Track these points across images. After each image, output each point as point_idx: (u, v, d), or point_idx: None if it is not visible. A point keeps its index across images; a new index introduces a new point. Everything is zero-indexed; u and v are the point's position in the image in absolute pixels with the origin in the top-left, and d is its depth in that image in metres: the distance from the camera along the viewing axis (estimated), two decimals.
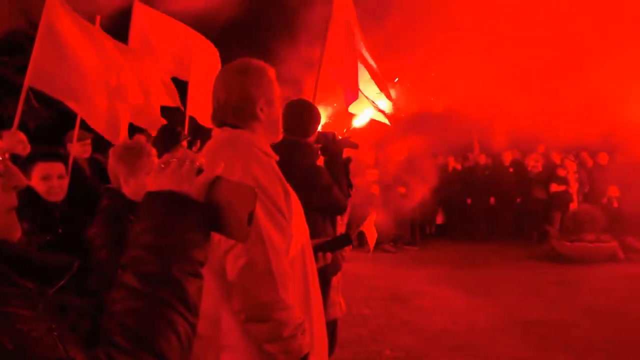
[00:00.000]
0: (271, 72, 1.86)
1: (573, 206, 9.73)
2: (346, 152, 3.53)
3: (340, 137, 3.48)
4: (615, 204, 9.66)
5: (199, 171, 1.06)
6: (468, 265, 8.56)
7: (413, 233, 10.50)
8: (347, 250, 2.25)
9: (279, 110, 1.86)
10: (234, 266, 1.59)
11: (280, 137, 1.93)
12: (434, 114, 10.67)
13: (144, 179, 2.44)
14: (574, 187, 9.95)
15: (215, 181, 1.06)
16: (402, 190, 10.26)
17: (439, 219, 11.29)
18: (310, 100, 4.18)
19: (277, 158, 1.86)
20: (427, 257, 9.41)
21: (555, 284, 7.20)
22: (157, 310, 0.91)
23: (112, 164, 2.52)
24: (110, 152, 2.60)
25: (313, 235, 2.14)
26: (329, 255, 2.09)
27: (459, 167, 11.44)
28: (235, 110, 1.79)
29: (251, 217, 1.04)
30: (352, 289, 6.18)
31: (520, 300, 6.36)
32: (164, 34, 6.21)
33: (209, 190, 1.05)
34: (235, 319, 1.62)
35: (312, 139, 3.24)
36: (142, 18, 5.96)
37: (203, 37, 6.56)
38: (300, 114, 3.16)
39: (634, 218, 9.24)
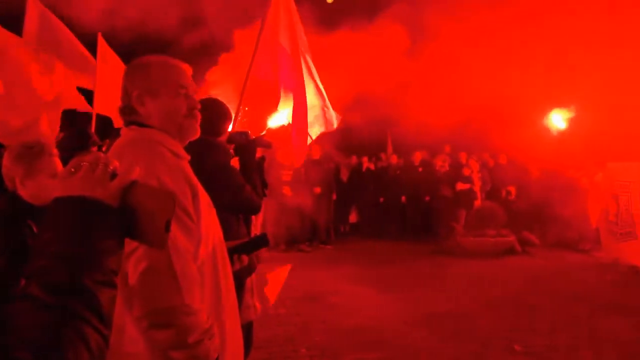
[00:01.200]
0: (160, 64, 1.77)
1: (477, 203, 10.35)
2: (261, 152, 3.51)
3: (254, 137, 3.44)
4: (513, 201, 10.40)
5: (113, 175, 1.00)
6: (381, 262, 8.83)
7: (328, 232, 10.66)
8: (263, 252, 2.22)
9: (169, 104, 1.74)
10: (135, 270, 1.51)
11: (193, 134, 1.84)
12: (350, 115, 10.88)
13: (44, 180, 2.28)
14: (477, 186, 10.58)
15: (131, 186, 1.01)
16: (317, 190, 10.37)
17: (353, 218, 11.55)
18: (238, 99, 4.12)
19: (189, 157, 1.81)
20: (341, 255, 9.60)
21: (461, 277, 7.61)
22: (66, 323, 0.84)
23: (8, 164, 2.32)
24: (6, 151, 2.40)
25: (227, 236, 2.10)
26: (244, 258, 2.06)
27: (372, 167, 11.75)
28: (122, 108, 1.75)
29: (169, 224, 1.00)
30: (284, 289, 6.19)
31: (428, 294, 6.66)
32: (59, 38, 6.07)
33: (124, 195, 0.99)
34: (138, 326, 1.55)
35: (223, 138, 3.19)
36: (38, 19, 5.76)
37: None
38: (210, 113, 3.08)
39: (529, 214, 10.03)
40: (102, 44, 6.87)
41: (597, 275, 7.49)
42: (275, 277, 3.88)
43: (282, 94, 4.68)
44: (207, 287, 1.69)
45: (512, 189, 10.53)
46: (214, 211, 1.82)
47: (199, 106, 1.82)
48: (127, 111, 1.75)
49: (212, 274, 1.73)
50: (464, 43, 8.87)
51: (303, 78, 4.73)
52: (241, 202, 3.03)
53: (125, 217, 0.99)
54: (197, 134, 1.84)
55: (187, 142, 1.83)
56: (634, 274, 7.36)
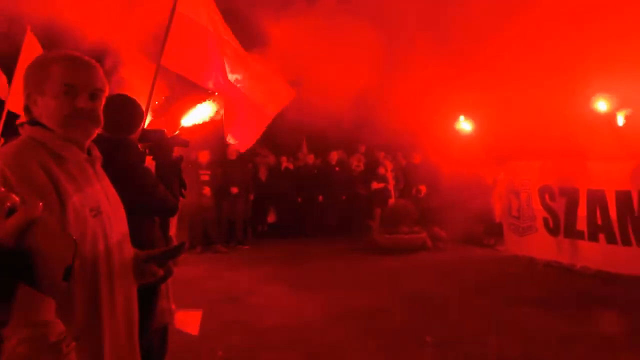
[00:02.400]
0: (48, 62, 1.68)
1: (391, 202, 10.68)
2: (178, 151, 3.38)
3: (170, 135, 3.30)
4: (424, 199, 10.84)
5: (11, 211, 0.89)
6: (298, 261, 8.87)
7: (245, 232, 10.54)
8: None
9: (51, 103, 1.65)
10: None
11: (83, 134, 1.73)
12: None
13: None
14: (391, 185, 10.92)
15: (30, 225, 0.90)
16: (235, 190, 10.22)
17: (271, 218, 11.50)
18: (148, 95, 3.91)
19: (91, 157, 1.74)
20: (259, 255, 9.53)
21: (376, 274, 7.82)
22: None
23: None
24: None
25: (140, 240, 1.99)
26: (157, 269, 1.95)
27: (291, 166, 11.77)
28: (23, 108, 1.70)
29: (68, 272, 0.90)
30: (184, 292, 5.95)
31: (345, 291, 6.76)
32: None
33: (20, 235, 0.89)
34: None
35: (134, 136, 3.03)
36: None
37: None
38: (119, 111, 2.92)
39: (439, 211, 10.51)
40: (30, 38, 6.22)
41: (501, 268, 7.98)
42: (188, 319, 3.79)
43: (209, 87, 4.53)
44: (80, 294, 1.57)
45: (423, 188, 10.96)
46: (104, 216, 1.71)
47: (92, 105, 1.70)
48: (26, 111, 1.70)
49: (88, 285, 1.61)
50: (380, 44, 9.11)
51: (229, 65, 4.61)
52: (154, 204, 2.89)
53: (18, 260, 0.88)
54: (89, 134, 1.74)
55: (85, 142, 1.73)
56: (534, 266, 7.92)
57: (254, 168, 11.31)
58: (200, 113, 4.67)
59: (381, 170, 10.90)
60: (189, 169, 9.69)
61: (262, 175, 11.44)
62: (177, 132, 3.70)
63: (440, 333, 5.09)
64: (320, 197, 11.29)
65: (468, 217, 10.17)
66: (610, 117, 8.64)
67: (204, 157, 9.97)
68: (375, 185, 10.81)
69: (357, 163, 11.49)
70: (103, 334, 1.64)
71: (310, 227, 11.27)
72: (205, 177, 10.00)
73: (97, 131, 1.76)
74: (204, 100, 4.43)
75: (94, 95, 1.71)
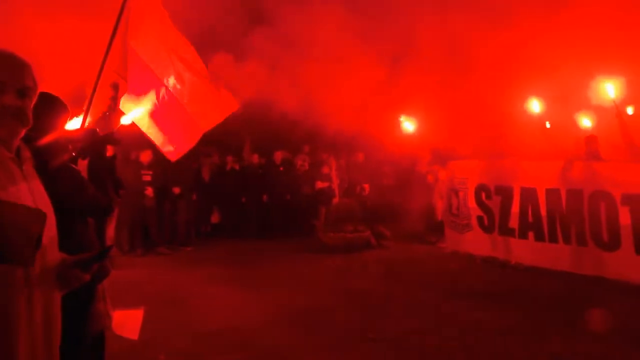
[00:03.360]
0: None
1: (335, 201, 10.78)
2: (112, 150, 3.27)
3: (102, 134, 3.19)
4: (368, 198, 11.02)
5: None
6: (243, 262, 8.79)
7: (188, 233, 10.34)
8: (119, 257, 2.07)
9: None
10: None
11: (8, 134, 1.66)
12: None
13: None
14: (336, 184, 11.03)
15: None
16: (177, 190, 10.01)
17: (215, 218, 11.34)
18: (89, 95, 3.78)
19: (9, 155, 1.67)
20: (203, 256, 9.38)
21: (321, 273, 7.88)
22: None
23: None
24: None
25: (70, 242, 1.93)
26: (86, 276, 1.88)
27: (236, 166, 11.65)
28: None
29: (39, 240, 0.91)
30: (123, 296, 5.78)
31: (290, 291, 6.78)
32: None
33: None
34: None
35: (58, 134, 2.92)
36: None
37: None
38: (42, 109, 2.80)
39: (383, 209, 10.73)
40: None
41: (442, 264, 8.23)
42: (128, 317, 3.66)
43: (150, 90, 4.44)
44: None
45: (366, 186, 11.14)
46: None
47: (20, 103, 1.64)
48: None
49: (2, 291, 1.54)
50: (323, 47, 9.19)
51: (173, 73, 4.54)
52: (83, 204, 2.80)
53: None
54: (16, 132, 1.68)
55: (11, 140, 1.68)
56: (472, 262, 8.21)
57: (197, 168, 11.12)
58: (141, 112, 4.56)
59: (325, 170, 10.99)
60: (131, 169, 9.44)
61: (206, 175, 11.27)
62: (111, 131, 3.58)
63: (383, 329, 5.21)
64: (265, 197, 11.24)
65: (411, 215, 10.45)
66: (541, 119, 9.10)
67: (146, 156, 9.69)
68: (319, 184, 10.89)
69: (302, 163, 11.52)
70: (17, 344, 1.58)
71: (255, 227, 11.20)
72: (147, 178, 9.73)
73: (24, 130, 1.70)
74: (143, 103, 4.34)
75: (22, 93, 1.65)
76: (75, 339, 1.82)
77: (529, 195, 7.63)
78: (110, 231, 9.16)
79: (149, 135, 4.56)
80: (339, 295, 6.56)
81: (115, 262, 7.44)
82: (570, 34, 8.26)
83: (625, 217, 6.48)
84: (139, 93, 4.43)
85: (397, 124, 10.64)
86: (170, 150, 4.81)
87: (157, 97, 4.56)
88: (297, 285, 7.17)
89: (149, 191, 9.64)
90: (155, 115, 4.57)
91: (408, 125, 10.57)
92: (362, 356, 4.65)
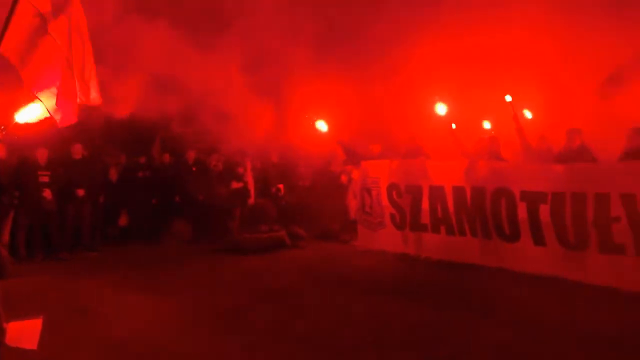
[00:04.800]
0: None
1: (250, 201, 10.66)
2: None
3: None
4: (283, 198, 11.01)
5: None
6: (154, 266, 8.42)
7: (93, 237, 9.74)
8: (12, 264, 1.87)
9: None
10: None
11: None
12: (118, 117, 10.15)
13: None
14: (251, 184, 10.90)
15: None
16: (81, 192, 9.40)
17: (123, 221, 10.78)
18: None
19: None
20: (110, 262, 8.87)
21: (238, 274, 7.74)
22: None
23: None
24: None
25: None
26: None
27: (147, 168, 11.13)
28: None
29: None
30: (21, 306, 5.32)
31: (205, 294, 6.59)
32: None
33: None
34: None
35: None
36: None
37: None
38: None
39: (298, 209, 10.77)
40: None
41: (356, 262, 8.39)
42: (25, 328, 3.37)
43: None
44: None
45: (281, 186, 11.12)
46: None
47: None
48: None
49: None
50: (233, 44, 9.09)
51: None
52: None
53: None
54: None
55: None
56: (385, 259, 8.45)
57: (103, 169, 10.52)
58: (35, 110, 4.22)
59: (240, 170, 10.82)
60: (27, 170, 8.74)
61: (113, 176, 10.69)
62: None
63: (298, 327, 5.21)
64: (177, 198, 10.86)
65: (325, 214, 10.58)
66: (447, 121, 9.58)
67: (42, 156, 9.01)
68: (234, 184, 10.70)
69: (216, 163, 11.26)
70: None
71: (167, 229, 10.79)
72: (45, 179, 9.03)
73: None
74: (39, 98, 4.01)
75: None
76: None
77: (437, 193, 8.00)
78: (6, 237, 8.44)
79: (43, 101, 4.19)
80: (255, 296, 6.48)
81: (7, 270, 6.84)
82: (475, 43, 8.81)
83: (523, 212, 6.99)
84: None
85: (311, 124, 10.72)
86: (59, 117, 4.45)
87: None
88: (212, 287, 6.99)
89: (47, 193, 8.95)
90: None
91: (321, 125, 10.68)
92: (279, 356, 4.61)
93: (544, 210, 6.77)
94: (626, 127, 7.04)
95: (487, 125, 10.71)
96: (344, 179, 10.45)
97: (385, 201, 8.81)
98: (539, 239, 6.86)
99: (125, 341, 4.91)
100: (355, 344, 4.79)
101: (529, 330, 4.97)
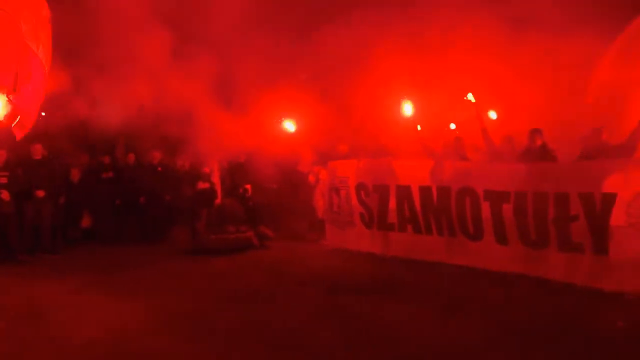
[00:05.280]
0: None
1: (217, 202, 10.53)
2: None
3: None
4: (250, 198, 10.92)
5: None
6: (117, 268, 8.21)
7: (54, 239, 9.46)
8: None
9: None
10: None
11: None
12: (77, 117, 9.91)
13: None
14: (217, 184, 10.78)
15: None
16: (40, 194, 9.12)
17: (85, 222, 10.51)
18: None
19: None
20: (71, 264, 8.62)
21: (204, 276, 7.64)
22: None
23: None
24: None
25: None
26: None
27: (110, 168, 10.90)
28: None
29: None
30: None
31: (170, 296, 6.48)
32: None
33: None
34: None
35: None
36: None
37: None
38: None
39: (264, 209, 10.71)
40: None
41: (324, 261, 8.38)
42: None
43: None
44: None
45: (249, 187, 11.03)
46: None
47: None
48: None
49: None
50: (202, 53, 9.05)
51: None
52: None
53: None
54: None
55: None
56: (353, 257, 8.47)
57: (64, 169, 10.25)
58: None
59: (206, 170, 10.69)
60: None
61: (75, 176, 10.43)
62: None
63: (266, 329, 5.17)
64: (142, 199, 10.66)
65: (293, 215, 10.55)
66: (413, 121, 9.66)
67: (0, 156, 8.73)
68: (200, 185, 10.56)
69: (182, 163, 11.09)
70: None
71: (131, 231, 10.57)
72: (3, 180, 8.76)
73: None
74: None
75: None
76: None
77: (404, 193, 8.07)
78: None
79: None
80: (222, 298, 6.40)
81: None
82: (441, 45, 8.94)
83: (486, 211, 7.11)
84: None
85: (279, 125, 10.68)
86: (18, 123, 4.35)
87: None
88: (178, 289, 6.88)
89: (4, 195, 8.66)
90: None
91: (289, 125, 10.65)
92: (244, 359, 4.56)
93: (507, 210, 6.90)
94: (582, 128, 7.26)
95: (452, 126, 10.86)
96: (311, 179, 10.44)
97: (354, 200, 8.84)
98: (501, 238, 6.99)
99: (84, 346, 4.79)
100: (324, 343, 4.77)
101: (494, 327, 5.06)
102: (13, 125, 4.33)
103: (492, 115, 10.19)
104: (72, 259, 9.06)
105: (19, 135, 4.48)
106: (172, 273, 7.90)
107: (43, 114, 8.21)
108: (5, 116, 4.31)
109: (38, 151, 9.38)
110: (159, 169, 10.98)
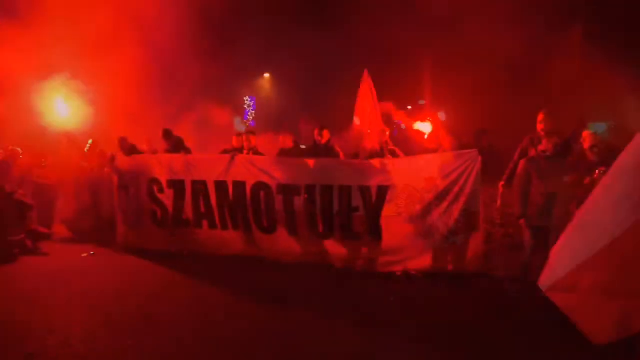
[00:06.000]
0: None
1: None
2: None
3: None
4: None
5: None
6: None
7: None
8: None
9: None
10: None
11: None
12: None
13: None
14: None
15: None
16: None
17: None
18: None
19: None
20: None
21: None
22: None
23: None
24: None
25: None
26: None
27: None
28: None
29: None
30: None
31: None
32: None
33: None
34: None
35: None
36: None
37: None
38: None
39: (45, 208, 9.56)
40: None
41: (111, 264, 7.83)
42: None
43: None
44: None
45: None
46: None
47: None
48: None
49: None
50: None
51: None
52: None
53: None
54: None
55: None
56: (145, 257, 8.03)
57: None
58: None
59: None
60: None
61: None
62: None
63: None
64: None
65: (76, 214, 9.67)
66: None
67: None
68: None
69: None
70: None
71: None
72: None
73: None
74: None
75: None
76: None
77: (199, 188, 7.96)
78: None
79: None
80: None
81: None
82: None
83: (279, 204, 7.47)
84: None
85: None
86: None
87: None
88: None
89: None
90: None
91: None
92: None
93: (298, 202, 7.35)
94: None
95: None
96: (100, 175, 9.64)
97: (145, 197, 8.38)
98: (292, 230, 7.43)
99: None
100: (112, 346, 4.51)
101: (288, 311, 5.38)
102: None
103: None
104: None
105: None
106: None
107: None
108: None
109: None
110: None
